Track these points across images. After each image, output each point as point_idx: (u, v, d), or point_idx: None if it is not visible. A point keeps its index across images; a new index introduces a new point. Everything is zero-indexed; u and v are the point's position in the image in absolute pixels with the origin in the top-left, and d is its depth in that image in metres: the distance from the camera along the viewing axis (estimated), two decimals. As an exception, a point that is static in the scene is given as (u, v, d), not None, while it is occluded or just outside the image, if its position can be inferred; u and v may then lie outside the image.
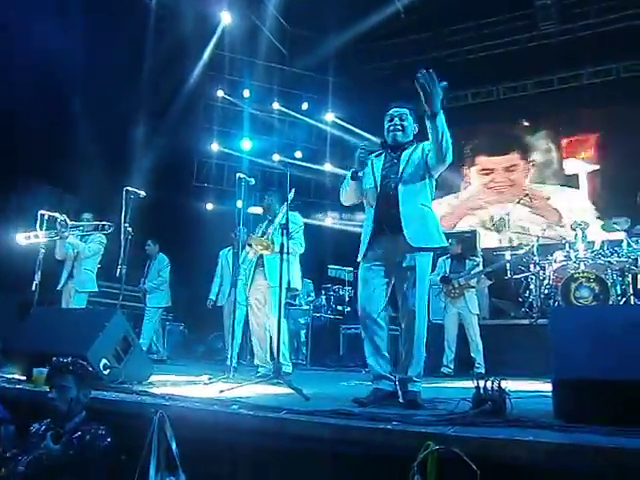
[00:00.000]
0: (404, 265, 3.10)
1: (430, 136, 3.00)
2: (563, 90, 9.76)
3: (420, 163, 3.18)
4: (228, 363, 5.61)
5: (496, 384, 2.59)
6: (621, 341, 2.30)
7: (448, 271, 6.59)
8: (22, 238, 5.87)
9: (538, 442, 1.95)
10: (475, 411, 2.38)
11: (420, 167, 3.18)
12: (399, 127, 3.27)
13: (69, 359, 2.79)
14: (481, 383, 2.67)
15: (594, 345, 2.29)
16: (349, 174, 3.32)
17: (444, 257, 6.80)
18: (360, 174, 3.28)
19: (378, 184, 3.22)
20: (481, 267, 6.74)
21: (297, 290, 5.35)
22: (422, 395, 3.05)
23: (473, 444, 2.01)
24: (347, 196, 3.41)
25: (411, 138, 3.32)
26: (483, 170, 10.54)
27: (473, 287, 6.46)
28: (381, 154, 3.36)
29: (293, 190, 4.44)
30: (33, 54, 7.07)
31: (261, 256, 4.87)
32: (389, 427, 2.15)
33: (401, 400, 2.98)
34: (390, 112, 3.31)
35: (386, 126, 3.32)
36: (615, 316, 2.59)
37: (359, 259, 3.28)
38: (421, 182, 3.19)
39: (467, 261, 6.70)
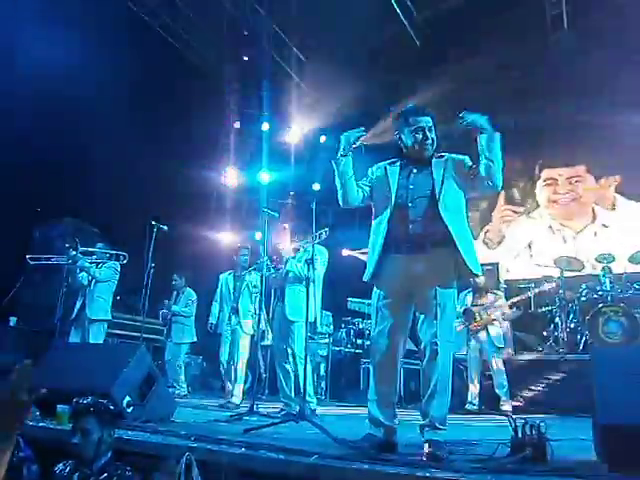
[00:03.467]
0: (431, 292, 2.79)
1: (488, 158, 2.83)
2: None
3: (456, 179, 2.96)
4: (232, 400, 5.51)
5: (535, 428, 2.49)
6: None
7: (470, 304, 6.49)
8: (31, 259, 6.00)
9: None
10: (515, 458, 2.28)
11: (457, 183, 2.96)
12: (431, 142, 3.02)
13: (89, 400, 2.73)
14: (518, 425, 2.57)
15: (640, 388, 2.19)
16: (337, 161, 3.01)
17: (466, 291, 6.68)
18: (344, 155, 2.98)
19: (393, 195, 2.96)
20: (504, 300, 6.62)
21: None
22: (446, 445, 2.66)
23: (518, 494, 1.91)
24: (342, 193, 3.08)
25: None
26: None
27: (495, 320, 6.33)
28: (395, 162, 3.10)
29: (327, 229, 4.41)
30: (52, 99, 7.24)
31: (282, 289, 4.85)
32: (427, 475, 2.06)
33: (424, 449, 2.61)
34: (417, 123, 3.01)
35: (412, 137, 3.01)
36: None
37: (366, 278, 2.98)
38: (460, 200, 2.96)
39: (489, 294, 6.59)
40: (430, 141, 3.01)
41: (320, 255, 4.82)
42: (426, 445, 2.61)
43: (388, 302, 2.91)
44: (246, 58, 9.79)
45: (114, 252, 6.31)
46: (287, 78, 10.56)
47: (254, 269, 5.96)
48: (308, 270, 3.88)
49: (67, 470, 2.63)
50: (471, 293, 6.57)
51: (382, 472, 2.14)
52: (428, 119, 3.03)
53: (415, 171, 3.02)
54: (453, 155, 3.05)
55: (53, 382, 3.70)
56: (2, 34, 6.65)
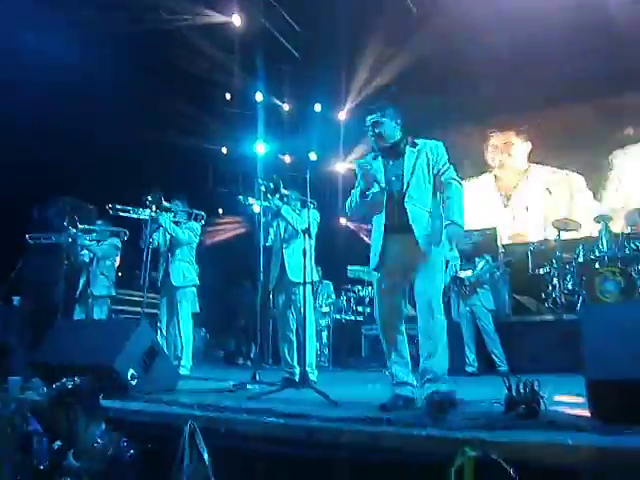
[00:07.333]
0: (417, 265, 3.11)
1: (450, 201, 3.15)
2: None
3: (426, 171, 3.19)
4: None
5: (528, 386, 2.55)
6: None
7: (458, 269, 6.52)
8: (30, 238, 6.07)
9: (578, 445, 1.91)
10: (509, 414, 2.34)
11: (425, 175, 3.19)
12: (373, 136, 3.26)
13: (60, 386, 2.69)
14: (513, 384, 2.63)
15: (630, 344, 2.23)
16: (357, 192, 3.26)
17: (453, 260, 6.64)
18: (369, 192, 3.21)
19: (386, 188, 3.21)
20: (491, 263, 6.63)
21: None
22: (454, 395, 2.95)
23: (510, 449, 1.97)
24: (355, 211, 3.36)
25: (398, 137, 3.27)
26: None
27: (485, 284, 6.36)
28: (376, 156, 3.33)
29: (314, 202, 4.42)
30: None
31: (281, 253, 4.79)
32: (424, 434, 2.12)
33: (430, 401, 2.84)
34: (367, 121, 3.27)
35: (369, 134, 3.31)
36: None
37: (372, 267, 3.26)
38: (425, 189, 3.18)
39: (477, 259, 6.60)
40: (374, 136, 3.24)
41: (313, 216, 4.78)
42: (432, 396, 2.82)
43: (388, 281, 3.20)
44: (238, 24, 9.54)
45: (114, 229, 6.35)
46: (280, 47, 10.36)
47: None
48: (304, 239, 3.89)
49: (62, 446, 2.68)
50: (458, 259, 6.58)
51: (379, 433, 2.21)
52: (373, 115, 3.22)
53: (391, 163, 3.24)
54: (427, 143, 3.25)
55: (58, 358, 3.80)
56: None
